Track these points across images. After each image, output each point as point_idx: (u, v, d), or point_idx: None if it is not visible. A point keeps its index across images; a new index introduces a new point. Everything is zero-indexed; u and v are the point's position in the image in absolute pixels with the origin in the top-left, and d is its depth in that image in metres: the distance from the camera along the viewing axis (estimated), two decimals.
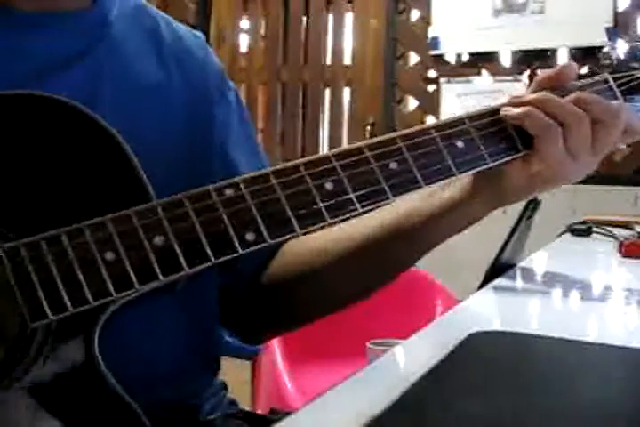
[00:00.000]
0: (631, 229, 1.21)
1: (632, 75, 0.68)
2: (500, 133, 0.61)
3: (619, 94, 0.66)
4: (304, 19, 3.19)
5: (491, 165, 0.60)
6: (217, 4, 3.27)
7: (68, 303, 0.49)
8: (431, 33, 2.86)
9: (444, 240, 0.66)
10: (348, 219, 0.56)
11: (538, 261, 0.91)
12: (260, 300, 0.75)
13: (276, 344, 1.76)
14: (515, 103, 0.62)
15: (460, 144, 0.59)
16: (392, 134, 0.58)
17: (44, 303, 0.48)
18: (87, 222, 0.50)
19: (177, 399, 0.68)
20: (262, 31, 3.29)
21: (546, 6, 2.66)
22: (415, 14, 2.93)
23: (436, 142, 0.59)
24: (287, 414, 0.77)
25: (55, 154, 0.53)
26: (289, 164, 0.55)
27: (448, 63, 2.87)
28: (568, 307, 0.65)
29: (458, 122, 0.60)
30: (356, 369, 0.43)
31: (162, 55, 0.71)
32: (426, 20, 2.88)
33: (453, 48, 2.84)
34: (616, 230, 1.19)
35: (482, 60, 2.79)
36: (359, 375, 0.42)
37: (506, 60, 2.76)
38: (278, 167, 0.55)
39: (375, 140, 0.57)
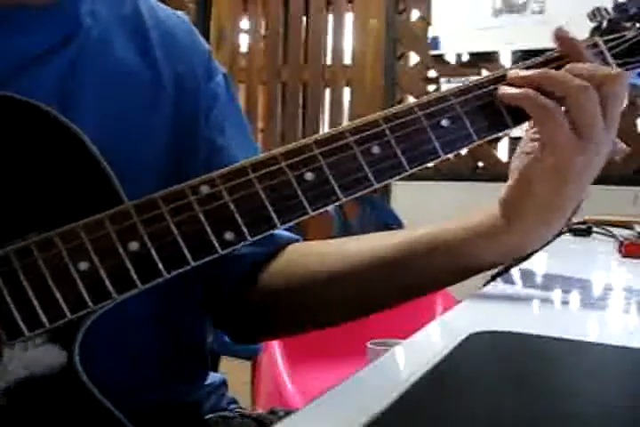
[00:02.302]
0: (631, 229, 1.21)
1: (623, 36, 0.62)
2: (487, 108, 0.58)
3: (610, 60, 0.61)
4: (304, 19, 3.19)
5: (478, 142, 0.57)
6: (217, 3, 3.27)
7: (44, 319, 0.47)
8: (431, 33, 2.86)
9: (478, 268, 0.62)
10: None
11: (537, 261, 0.91)
12: (257, 303, 0.72)
13: (276, 344, 1.76)
14: (512, 80, 0.58)
15: (445, 122, 0.56)
16: (375, 115, 0.55)
17: (19, 320, 0.46)
18: (58, 231, 0.48)
19: (173, 399, 0.67)
20: (262, 31, 3.29)
21: (546, 6, 2.66)
22: (415, 14, 2.93)
23: (420, 122, 0.55)
24: (287, 413, 0.76)
25: (17, 157, 0.51)
26: (267, 154, 0.52)
27: (448, 63, 2.87)
28: (568, 307, 0.65)
29: (443, 99, 0.57)
30: (356, 369, 0.43)
31: (145, 43, 0.68)
32: (426, 20, 2.89)
33: (453, 48, 2.84)
34: (616, 230, 1.19)
35: (482, 60, 2.79)
36: (359, 375, 0.42)
37: (506, 60, 2.76)
38: (256, 159, 0.52)
39: (358, 122, 0.55)
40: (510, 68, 0.60)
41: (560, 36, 0.60)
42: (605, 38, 0.62)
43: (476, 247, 0.61)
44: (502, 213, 0.60)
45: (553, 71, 0.58)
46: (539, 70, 0.58)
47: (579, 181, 0.57)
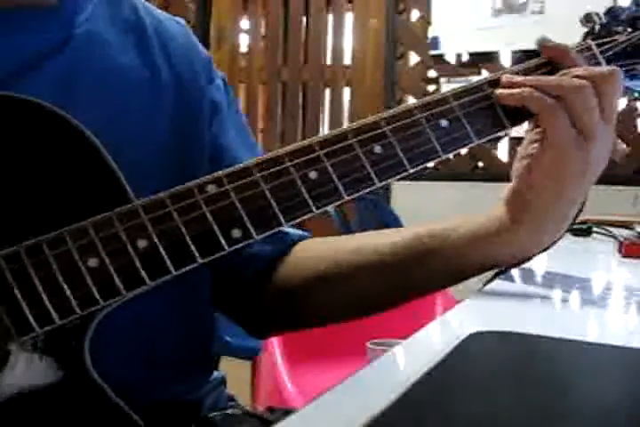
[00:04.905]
0: (631, 229, 1.21)
1: (615, 40, 0.65)
2: (485, 110, 0.59)
3: (602, 62, 0.63)
4: (304, 19, 3.19)
5: (476, 142, 0.59)
6: (217, 3, 3.27)
7: (55, 314, 0.47)
8: (431, 33, 2.86)
9: (479, 269, 0.63)
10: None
11: (537, 261, 0.91)
12: (268, 300, 0.73)
13: (276, 344, 1.76)
14: (507, 84, 0.60)
15: (444, 123, 0.58)
16: (376, 117, 0.56)
17: (29, 316, 0.47)
18: (67, 229, 0.48)
19: (176, 397, 0.67)
20: (262, 31, 3.29)
21: (546, 6, 2.66)
22: (415, 14, 2.94)
23: (420, 123, 0.57)
24: (285, 411, 0.77)
25: (26, 157, 0.52)
26: (272, 154, 0.53)
27: (448, 63, 2.87)
28: (568, 307, 0.65)
29: (442, 101, 0.58)
30: (356, 369, 0.43)
31: (145, 45, 0.69)
32: (426, 20, 2.89)
33: (453, 48, 2.84)
34: (616, 230, 1.19)
35: (482, 60, 2.79)
36: (359, 375, 0.42)
37: (506, 60, 2.76)
38: (262, 159, 0.53)
39: (359, 123, 0.56)
40: (503, 73, 0.61)
41: (544, 46, 0.62)
42: (598, 42, 0.64)
43: (478, 249, 0.62)
44: (506, 215, 0.61)
45: (547, 77, 0.59)
46: (531, 77, 0.60)
47: (578, 182, 0.59)
